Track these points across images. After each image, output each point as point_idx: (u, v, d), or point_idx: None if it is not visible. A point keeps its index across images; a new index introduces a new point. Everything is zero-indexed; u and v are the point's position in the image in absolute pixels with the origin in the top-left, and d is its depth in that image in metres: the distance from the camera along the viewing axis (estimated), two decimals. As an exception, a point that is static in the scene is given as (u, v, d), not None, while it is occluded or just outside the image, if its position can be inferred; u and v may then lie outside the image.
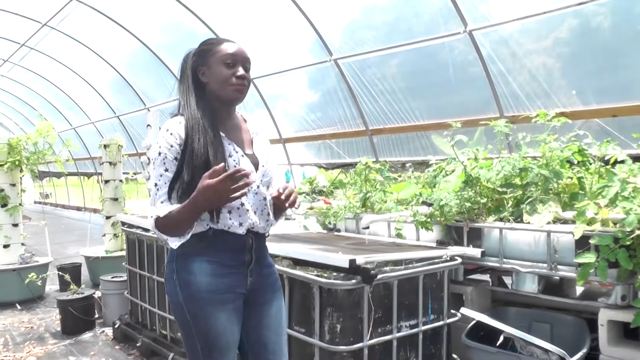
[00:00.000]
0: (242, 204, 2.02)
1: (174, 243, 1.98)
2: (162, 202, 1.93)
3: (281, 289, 2.25)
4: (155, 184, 1.95)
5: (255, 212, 2.07)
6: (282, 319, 2.21)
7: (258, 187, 2.08)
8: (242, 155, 2.05)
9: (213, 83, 2.04)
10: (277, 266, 2.88)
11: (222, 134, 2.03)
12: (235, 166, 1.98)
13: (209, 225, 1.99)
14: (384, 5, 6.18)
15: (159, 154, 1.96)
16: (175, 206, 1.91)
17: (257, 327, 2.14)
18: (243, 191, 1.82)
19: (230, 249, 2.04)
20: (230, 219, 2.00)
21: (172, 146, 1.95)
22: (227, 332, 2.01)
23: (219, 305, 2.00)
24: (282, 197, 2.04)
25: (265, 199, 2.11)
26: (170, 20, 8.53)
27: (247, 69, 2.06)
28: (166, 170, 1.95)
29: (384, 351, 2.81)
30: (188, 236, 1.93)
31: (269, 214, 2.14)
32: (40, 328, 5.38)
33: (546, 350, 2.84)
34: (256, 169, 2.08)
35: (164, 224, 1.91)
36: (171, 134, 1.96)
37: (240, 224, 2.02)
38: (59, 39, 10.31)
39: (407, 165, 6.20)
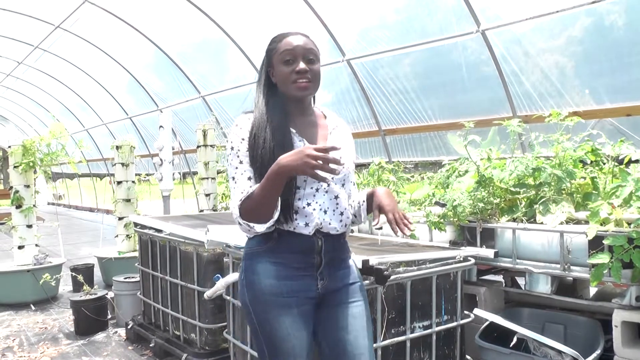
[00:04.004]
0: (309, 204, 1.95)
1: (261, 228, 1.89)
2: (242, 193, 1.88)
3: (361, 293, 2.09)
4: (233, 178, 1.92)
5: (325, 212, 1.98)
6: (361, 323, 2.03)
7: (329, 185, 1.98)
8: None
9: (279, 83, 1.99)
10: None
11: (293, 130, 1.97)
12: None
13: (275, 225, 1.94)
14: (397, 5, 6.18)
15: (232, 148, 1.95)
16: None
17: (333, 330, 2.02)
18: (323, 174, 1.77)
19: (297, 250, 1.97)
20: (296, 219, 1.94)
21: (243, 139, 1.94)
22: (291, 337, 1.95)
23: (282, 308, 1.94)
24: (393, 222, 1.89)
25: (337, 197, 2.00)
26: (183, 23, 8.57)
27: (310, 60, 1.97)
28: (241, 162, 1.92)
29: (398, 352, 2.80)
30: (275, 217, 1.86)
31: (342, 214, 2.02)
32: (54, 328, 5.42)
33: (560, 352, 2.83)
34: None
35: (248, 208, 1.85)
36: (240, 128, 1.96)
37: (306, 224, 1.94)
38: (72, 41, 10.41)
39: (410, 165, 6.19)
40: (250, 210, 1.85)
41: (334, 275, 2.02)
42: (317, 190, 1.95)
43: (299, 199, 1.94)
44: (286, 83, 1.96)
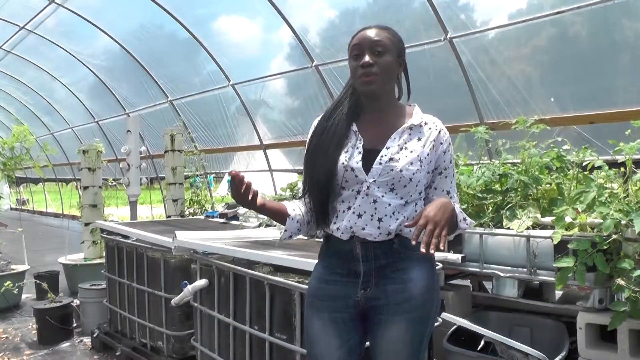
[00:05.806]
0: (349, 207, 1.85)
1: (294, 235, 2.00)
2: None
3: (415, 311, 1.84)
4: None
5: (359, 216, 1.83)
6: (396, 347, 1.84)
7: (368, 187, 1.81)
8: (360, 152, 1.84)
9: (352, 79, 1.90)
10: (256, 272, 2.88)
11: (354, 129, 1.88)
12: (343, 163, 1.83)
13: (324, 229, 1.95)
14: (365, 12, 6.22)
15: None
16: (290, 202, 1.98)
17: (374, 348, 1.91)
18: (246, 195, 1.76)
19: (338, 254, 1.90)
20: (334, 222, 1.88)
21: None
22: (320, 343, 1.89)
23: (315, 310, 1.92)
24: (414, 233, 1.62)
25: (375, 201, 1.81)
26: (152, 26, 8.50)
27: (377, 53, 1.83)
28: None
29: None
30: (288, 231, 1.96)
31: (380, 220, 1.82)
32: (16, 338, 5.27)
33: (526, 354, 2.86)
34: (368, 166, 1.82)
35: None
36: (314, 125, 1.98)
37: (338, 228, 1.86)
38: (37, 42, 10.21)
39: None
40: None
41: (382, 289, 1.84)
42: (357, 192, 1.83)
43: (342, 202, 1.88)
44: (354, 78, 1.86)
